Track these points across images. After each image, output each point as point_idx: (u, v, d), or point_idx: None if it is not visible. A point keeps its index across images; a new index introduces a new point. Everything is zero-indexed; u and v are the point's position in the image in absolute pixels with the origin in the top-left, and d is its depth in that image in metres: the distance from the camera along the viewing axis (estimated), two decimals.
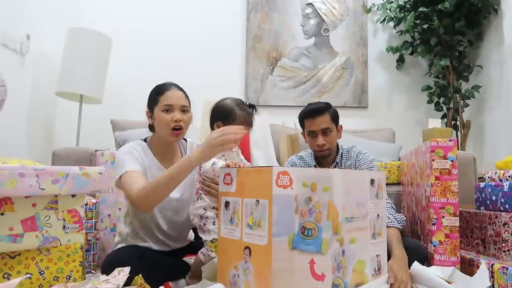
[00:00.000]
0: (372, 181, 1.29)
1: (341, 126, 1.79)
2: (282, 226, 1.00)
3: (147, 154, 1.48)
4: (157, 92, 1.45)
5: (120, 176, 1.36)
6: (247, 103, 1.47)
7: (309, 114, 1.71)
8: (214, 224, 1.35)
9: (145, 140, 1.53)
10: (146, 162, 1.45)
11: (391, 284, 1.26)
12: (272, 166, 1.03)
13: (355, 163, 1.74)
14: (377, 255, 1.27)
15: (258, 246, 1.01)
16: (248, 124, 1.42)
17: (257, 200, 1.03)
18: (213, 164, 1.30)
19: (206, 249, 1.36)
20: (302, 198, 1.05)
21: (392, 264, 1.33)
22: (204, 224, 1.36)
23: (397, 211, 2.16)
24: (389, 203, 1.68)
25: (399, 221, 1.60)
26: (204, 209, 1.38)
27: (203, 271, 1.31)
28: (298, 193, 1.04)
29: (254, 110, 1.47)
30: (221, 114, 1.42)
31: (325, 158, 1.76)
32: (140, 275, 1.17)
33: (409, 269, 1.36)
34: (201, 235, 1.40)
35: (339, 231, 1.14)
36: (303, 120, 1.76)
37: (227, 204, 1.14)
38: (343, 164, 1.76)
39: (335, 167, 1.76)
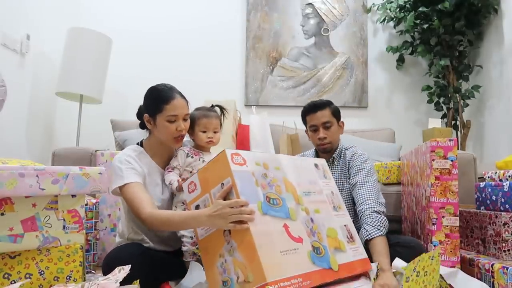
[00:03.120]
0: (316, 165, 1.44)
1: (342, 122, 1.81)
2: (248, 194, 1.09)
3: (145, 159, 1.48)
4: (162, 100, 1.42)
5: (120, 187, 1.37)
6: (212, 105, 1.63)
7: (310, 109, 1.76)
8: None
9: (140, 144, 1.52)
10: (145, 168, 1.45)
11: None
12: (224, 149, 1.13)
13: (349, 163, 1.75)
14: (344, 225, 1.35)
15: None
16: (206, 116, 1.54)
17: (222, 183, 1.12)
18: (170, 183, 1.45)
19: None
20: (259, 174, 1.16)
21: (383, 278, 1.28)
22: None
23: (396, 212, 2.16)
24: (374, 211, 1.52)
25: (379, 228, 1.46)
26: (175, 206, 1.48)
27: None
28: (254, 170, 1.15)
29: (221, 110, 1.63)
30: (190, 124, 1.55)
31: (327, 152, 1.77)
32: (138, 282, 1.14)
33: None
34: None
35: (301, 202, 1.23)
36: (305, 117, 1.79)
37: (197, 207, 1.19)
38: (337, 162, 1.77)
39: (332, 163, 1.78)
